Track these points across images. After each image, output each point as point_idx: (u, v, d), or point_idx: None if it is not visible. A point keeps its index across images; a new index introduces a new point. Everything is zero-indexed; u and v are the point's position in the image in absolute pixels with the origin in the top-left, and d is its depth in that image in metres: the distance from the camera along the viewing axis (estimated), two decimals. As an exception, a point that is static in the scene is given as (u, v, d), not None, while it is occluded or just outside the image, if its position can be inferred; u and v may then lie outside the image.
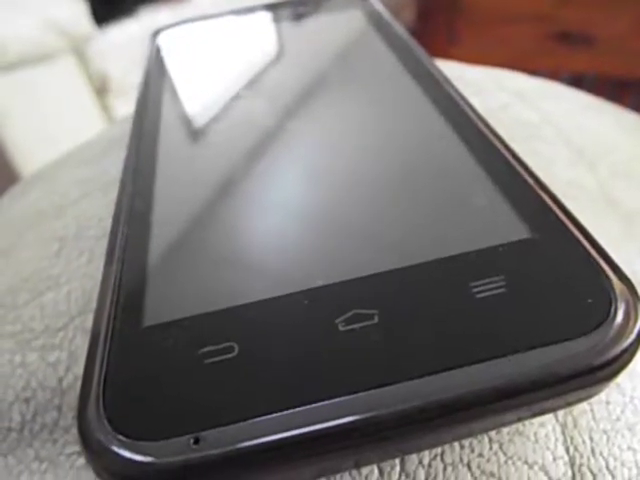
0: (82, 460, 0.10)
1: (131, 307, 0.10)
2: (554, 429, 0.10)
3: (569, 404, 0.08)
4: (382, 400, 0.08)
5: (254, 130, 0.15)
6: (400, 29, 0.18)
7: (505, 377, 0.08)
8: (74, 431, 0.11)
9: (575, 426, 0.10)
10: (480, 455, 0.09)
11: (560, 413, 0.10)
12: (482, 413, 0.08)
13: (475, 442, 0.09)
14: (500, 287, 0.09)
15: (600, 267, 0.09)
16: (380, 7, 0.20)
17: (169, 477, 0.07)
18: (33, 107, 0.67)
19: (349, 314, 0.09)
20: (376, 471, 0.09)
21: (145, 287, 0.10)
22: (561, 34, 0.88)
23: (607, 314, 0.08)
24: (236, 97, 0.17)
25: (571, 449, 0.09)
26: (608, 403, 0.10)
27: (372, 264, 0.10)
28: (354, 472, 0.09)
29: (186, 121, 0.16)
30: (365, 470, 0.09)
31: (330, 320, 0.09)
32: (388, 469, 0.09)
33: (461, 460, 0.09)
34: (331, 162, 0.13)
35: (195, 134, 0.15)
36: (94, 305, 0.10)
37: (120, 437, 0.08)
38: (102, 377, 0.09)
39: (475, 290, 0.09)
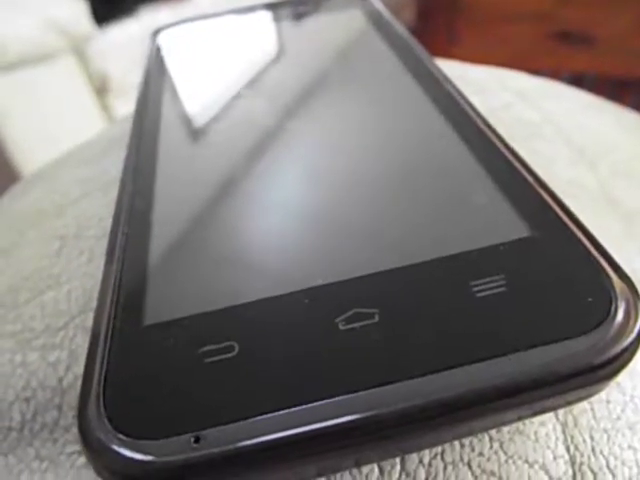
0: (82, 459, 0.10)
1: (131, 306, 0.10)
2: (554, 428, 0.10)
3: (569, 403, 0.08)
4: (383, 399, 0.08)
5: (254, 129, 0.15)
6: (400, 28, 0.18)
7: (505, 376, 0.08)
8: (74, 430, 0.11)
9: (575, 425, 0.10)
10: (480, 454, 0.09)
11: (560, 412, 0.10)
12: (482, 412, 0.08)
13: (475, 441, 0.09)
14: (500, 286, 0.09)
15: (600, 266, 0.09)
16: (380, 6, 0.20)
17: (170, 476, 0.07)
18: (33, 107, 0.67)
19: (349, 313, 0.09)
20: (376, 470, 0.09)
21: (145, 286, 0.10)
22: (561, 34, 0.88)
23: (607, 313, 0.08)
24: (236, 96, 0.17)
25: (571, 448, 0.09)
26: (608, 402, 0.10)
27: (372, 263, 0.10)
28: (354, 471, 0.09)
29: (186, 120, 0.16)
30: (365, 469, 0.09)
31: (330, 319, 0.09)
32: (388, 468, 0.09)
33: (461, 459, 0.09)
34: (332, 161, 0.13)
35: (195, 133, 0.15)
36: (94, 304, 0.10)
37: (120, 436, 0.08)
38: (102, 376, 0.09)
39: (475, 289, 0.09)
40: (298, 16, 0.22)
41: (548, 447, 0.09)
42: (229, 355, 0.09)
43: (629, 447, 0.10)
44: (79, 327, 0.12)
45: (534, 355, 0.08)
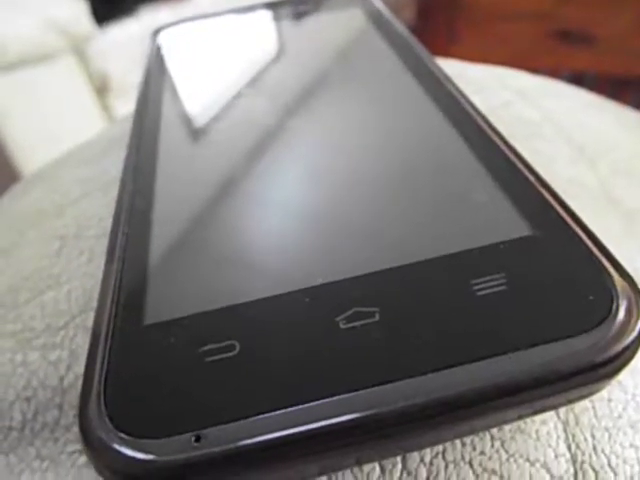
0: (83, 458, 0.10)
1: (132, 305, 0.10)
2: (556, 427, 0.10)
3: (571, 401, 0.08)
4: (383, 398, 0.08)
5: (254, 129, 0.15)
6: (401, 27, 0.18)
7: (506, 374, 0.08)
8: (75, 429, 0.11)
9: (577, 424, 0.10)
10: (482, 453, 0.09)
11: (562, 411, 0.10)
12: (484, 410, 0.08)
13: (477, 440, 0.09)
14: (501, 284, 0.09)
15: (601, 264, 0.09)
16: (380, 5, 0.20)
17: (170, 475, 0.07)
18: (33, 107, 0.67)
19: (350, 312, 0.09)
20: (378, 469, 0.09)
21: (146, 285, 0.10)
22: (561, 33, 0.88)
23: (609, 311, 0.08)
24: (237, 96, 0.17)
25: (573, 447, 0.09)
26: (610, 400, 0.10)
27: (373, 262, 0.10)
28: (356, 470, 0.09)
29: (186, 120, 0.16)
30: (367, 468, 0.09)
31: (331, 318, 0.09)
32: (390, 467, 0.09)
33: (463, 458, 0.09)
34: (332, 160, 0.13)
35: (195, 133, 0.15)
36: (95, 304, 0.10)
37: (121, 435, 0.08)
38: (103, 375, 0.09)
39: (476, 287, 0.09)
40: (298, 15, 0.22)
41: (549, 445, 0.09)
42: (230, 354, 0.09)
43: (630, 445, 0.09)
44: (79, 327, 0.12)
45: (535, 353, 0.08)
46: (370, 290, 0.09)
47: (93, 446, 0.08)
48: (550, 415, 0.10)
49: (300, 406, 0.08)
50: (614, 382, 0.08)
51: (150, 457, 0.07)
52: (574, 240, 0.09)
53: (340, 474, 0.09)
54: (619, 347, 0.08)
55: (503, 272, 0.09)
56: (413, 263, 0.10)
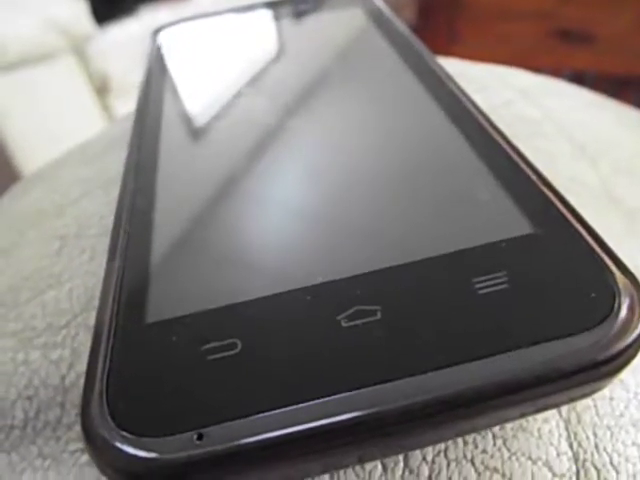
0: (85, 457, 0.10)
1: (134, 304, 0.10)
2: (558, 425, 0.10)
3: (573, 400, 0.08)
4: (385, 396, 0.08)
5: (255, 128, 0.15)
6: (401, 26, 0.18)
7: (508, 373, 0.08)
8: (77, 428, 0.11)
9: (579, 422, 0.10)
10: (484, 451, 0.09)
11: (564, 409, 0.10)
12: (485, 409, 0.08)
13: (479, 438, 0.09)
14: (503, 282, 0.09)
15: (603, 262, 0.09)
16: (381, 4, 0.20)
17: (172, 473, 0.07)
18: (33, 107, 0.67)
19: (351, 310, 0.09)
20: (380, 467, 0.09)
21: (148, 284, 0.10)
22: (562, 32, 0.88)
23: (611, 309, 0.08)
24: (237, 95, 0.17)
25: (575, 445, 0.09)
26: (612, 399, 0.10)
27: (374, 260, 0.10)
28: (358, 468, 0.09)
29: (187, 119, 0.16)
30: (369, 466, 0.09)
31: (332, 316, 0.09)
32: (392, 465, 0.09)
33: (465, 456, 0.09)
34: (334, 159, 0.13)
35: (196, 132, 0.15)
36: (96, 303, 0.10)
37: (123, 433, 0.08)
38: (105, 374, 0.09)
39: (478, 286, 0.09)
40: (299, 14, 0.22)
41: (551, 444, 0.09)
42: (231, 352, 0.09)
43: (633, 444, 0.09)
44: (81, 325, 0.12)
45: (537, 352, 0.08)
46: (372, 288, 0.09)
47: (95, 444, 0.08)
48: (552, 413, 0.10)
49: (302, 404, 0.08)
50: (616, 380, 0.08)
51: (152, 455, 0.07)
52: (576, 238, 0.09)
53: (342, 472, 0.09)
54: (621, 345, 0.08)
55: (505, 270, 0.09)
56: (415, 261, 0.10)
